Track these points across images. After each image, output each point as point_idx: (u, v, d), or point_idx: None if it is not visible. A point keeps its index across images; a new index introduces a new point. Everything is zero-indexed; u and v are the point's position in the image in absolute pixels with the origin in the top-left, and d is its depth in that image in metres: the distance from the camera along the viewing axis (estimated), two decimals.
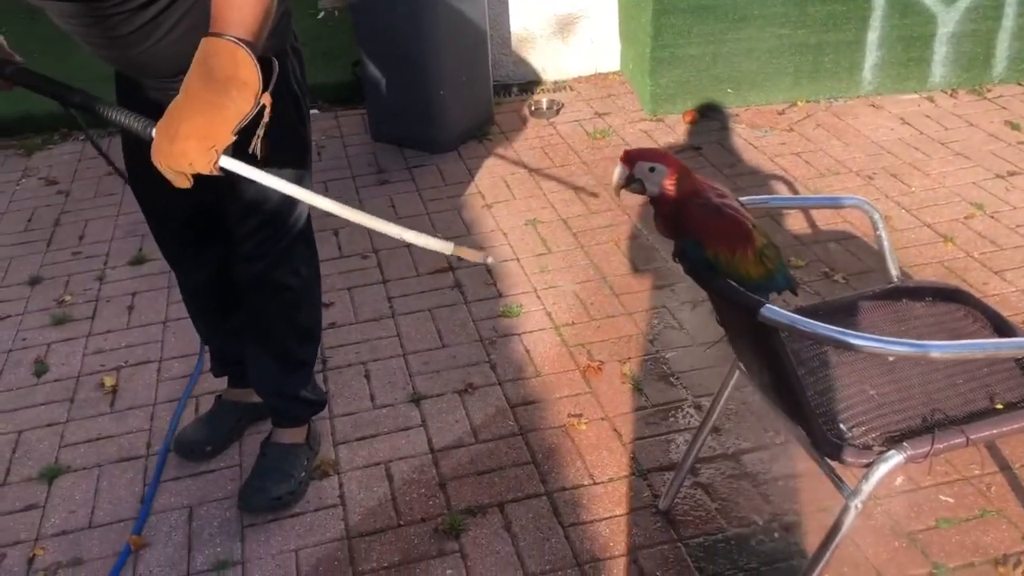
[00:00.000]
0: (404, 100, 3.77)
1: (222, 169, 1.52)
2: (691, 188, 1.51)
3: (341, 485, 2.17)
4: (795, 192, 3.37)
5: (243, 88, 1.46)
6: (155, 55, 1.68)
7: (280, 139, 1.64)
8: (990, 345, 1.46)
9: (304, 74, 1.90)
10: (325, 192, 3.55)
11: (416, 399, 2.44)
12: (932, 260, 2.91)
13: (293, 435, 2.17)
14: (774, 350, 1.52)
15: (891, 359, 1.68)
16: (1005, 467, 2.09)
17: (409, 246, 3.14)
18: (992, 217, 3.13)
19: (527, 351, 2.60)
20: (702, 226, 1.50)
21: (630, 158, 1.51)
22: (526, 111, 4.17)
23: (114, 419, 2.45)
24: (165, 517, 2.12)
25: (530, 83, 4.47)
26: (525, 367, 2.54)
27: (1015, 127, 3.75)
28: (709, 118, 4.00)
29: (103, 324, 2.86)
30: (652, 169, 1.50)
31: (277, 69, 1.58)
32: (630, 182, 1.52)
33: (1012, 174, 3.39)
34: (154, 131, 1.52)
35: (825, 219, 3.16)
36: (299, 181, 1.91)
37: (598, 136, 3.89)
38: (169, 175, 1.53)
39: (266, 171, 1.52)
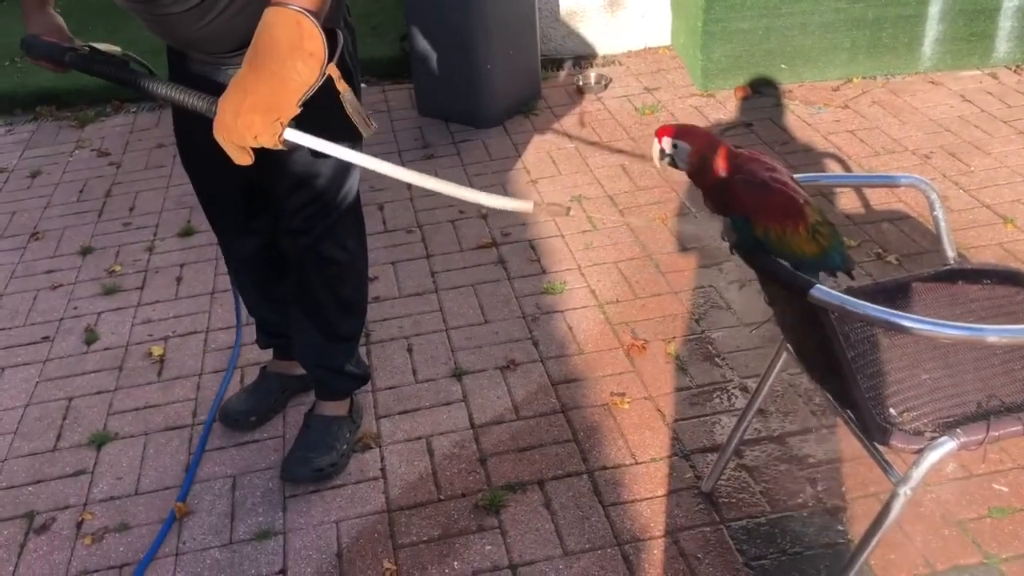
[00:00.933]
0: (451, 75, 3.75)
1: (286, 142, 1.51)
2: (731, 164, 1.47)
3: (383, 458, 2.18)
4: (848, 170, 3.29)
5: (308, 59, 1.45)
6: (208, 33, 1.68)
7: (334, 112, 1.64)
8: None
9: (356, 49, 1.89)
10: None
11: (458, 374, 2.43)
12: (991, 242, 2.82)
13: (336, 408, 2.18)
14: (824, 332, 1.48)
15: (945, 343, 1.62)
16: None
17: (455, 221, 3.14)
18: None
19: (570, 328, 2.58)
20: (749, 201, 1.46)
21: (659, 132, 1.51)
22: (574, 86, 4.12)
23: (161, 388, 2.48)
24: (209, 486, 2.15)
25: (579, 58, 4.41)
26: (568, 344, 2.52)
27: None
28: (761, 94, 3.92)
29: (152, 294, 2.90)
30: (675, 146, 1.49)
31: (342, 40, 1.57)
32: (663, 156, 1.52)
33: None
34: (215, 107, 1.51)
35: (878, 198, 3.08)
36: None
37: (647, 112, 3.83)
38: (231, 151, 1.52)
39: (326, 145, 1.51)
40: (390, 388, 2.40)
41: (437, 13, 3.63)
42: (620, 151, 3.54)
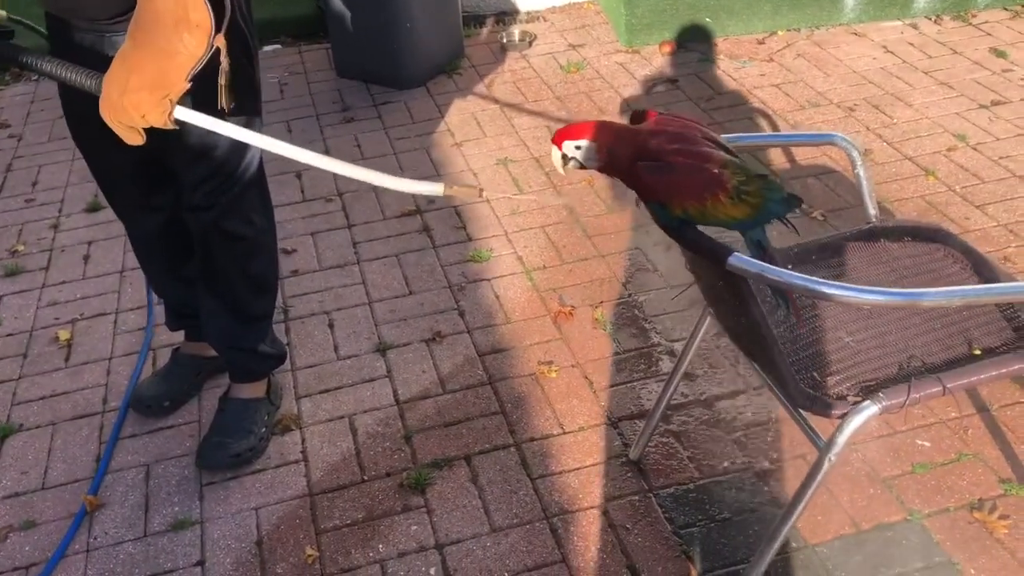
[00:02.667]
0: (369, 34, 3.61)
1: (177, 121, 1.42)
2: (633, 149, 1.38)
3: (303, 440, 2.11)
4: (774, 126, 3.27)
5: (195, 31, 1.35)
6: None
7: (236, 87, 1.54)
8: (975, 291, 1.39)
9: (251, 11, 1.78)
10: (288, 133, 3.43)
11: (382, 349, 2.36)
12: (913, 195, 2.83)
13: (252, 390, 2.10)
14: (744, 299, 1.44)
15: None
16: (983, 408, 2.05)
17: (377, 189, 3.04)
18: (975, 149, 3.04)
19: (497, 297, 2.52)
20: (658, 187, 1.37)
21: (556, 140, 1.41)
22: (498, 44, 4.02)
23: (69, 374, 2.36)
24: (121, 476, 2.05)
25: (502, 14, 4.30)
26: (495, 314, 2.46)
27: (1000, 54, 3.64)
28: (687, 49, 3.87)
29: (58, 275, 2.75)
30: (578, 147, 1.40)
31: (229, 7, 1.46)
32: (566, 161, 1.42)
33: (996, 103, 3.30)
34: (101, 84, 1.41)
35: (803, 154, 3.06)
36: (248, 127, 1.80)
37: (572, 69, 3.76)
38: (120, 131, 1.42)
39: (223, 119, 1.42)
40: (311, 366, 2.32)
41: None
42: (539, 114, 3.47)
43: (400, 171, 3.15)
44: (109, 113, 1.37)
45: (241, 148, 1.82)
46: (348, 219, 2.91)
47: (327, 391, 2.24)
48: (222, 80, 1.42)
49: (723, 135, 1.75)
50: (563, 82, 3.68)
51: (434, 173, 3.12)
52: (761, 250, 1.45)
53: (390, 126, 3.45)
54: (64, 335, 2.49)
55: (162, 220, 1.98)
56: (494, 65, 3.87)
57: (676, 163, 1.37)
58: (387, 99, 3.64)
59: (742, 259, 1.34)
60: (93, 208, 3.05)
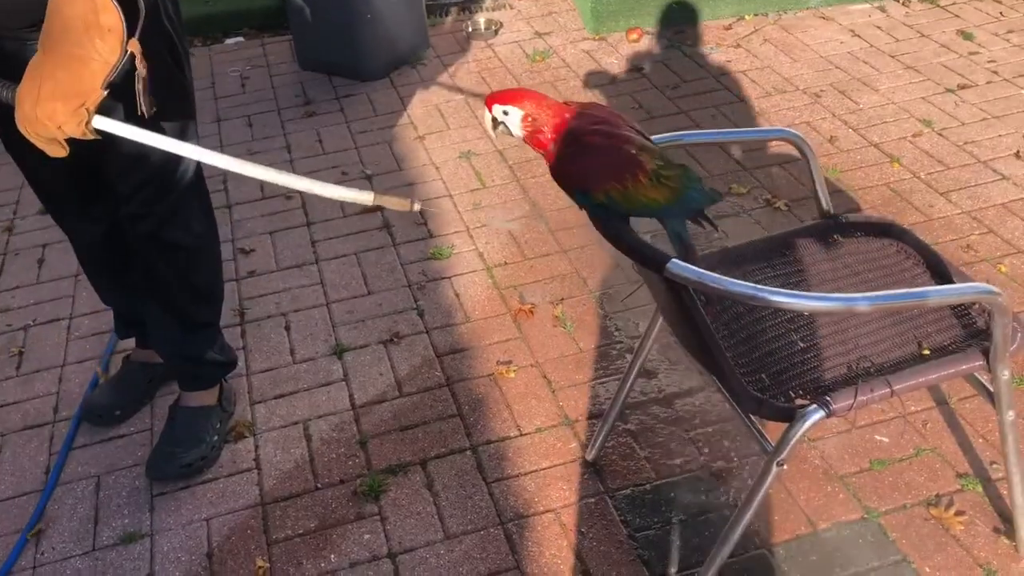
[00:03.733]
0: (331, 25, 3.55)
1: (96, 131, 1.37)
2: (555, 125, 1.35)
3: (257, 447, 2.07)
4: (740, 114, 3.24)
5: (107, 36, 1.31)
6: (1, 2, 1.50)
7: (155, 88, 1.48)
8: (918, 294, 1.37)
9: (178, 10, 1.73)
10: (249, 128, 3.38)
11: (339, 352, 2.32)
12: (878, 183, 2.81)
13: (203, 397, 2.06)
14: (686, 305, 1.41)
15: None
16: (942, 402, 2.03)
17: (337, 184, 2.99)
18: (940, 134, 3.02)
19: (457, 295, 2.49)
20: (577, 172, 1.35)
21: (488, 101, 1.40)
22: (463, 33, 3.96)
23: (20, 383, 2.32)
24: (71, 488, 2.01)
25: (468, 2, 4.24)
26: (454, 313, 2.43)
27: (968, 37, 3.62)
28: (654, 36, 3.83)
29: (11, 279, 2.70)
30: (505, 112, 1.37)
31: (144, 9, 1.41)
32: (496, 125, 1.41)
33: (962, 87, 3.27)
34: (15, 94, 1.36)
35: (767, 143, 3.03)
36: (182, 133, 1.76)
37: (538, 58, 3.71)
38: (40, 143, 1.38)
39: (147, 127, 1.38)
40: (266, 371, 2.28)
41: None
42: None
43: (362, 165, 3.11)
44: (25, 125, 1.33)
45: (176, 154, 1.77)
46: (308, 217, 2.87)
47: (282, 396, 2.21)
48: (139, 85, 1.37)
49: (676, 132, 1.73)
50: (529, 72, 3.63)
51: (395, 167, 3.08)
52: (681, 243, 1.43)
53: (352, 119, 3.40)
54: (16, 342, 2.44)
55: (102, 230, 1.93)
56: (459, 55, 3.82)
57: (594, 143, 1.35)
58: (349, 91, 3.58)
59: (680, 266, 1.31)
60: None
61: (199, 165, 1.85)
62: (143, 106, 1.39)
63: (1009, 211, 2.63)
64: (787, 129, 1.78)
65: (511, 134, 1.40)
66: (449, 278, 2.56)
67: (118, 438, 2.13)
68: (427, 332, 2.37)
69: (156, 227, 1.80)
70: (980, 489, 1.83)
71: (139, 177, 1.74)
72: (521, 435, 2.05)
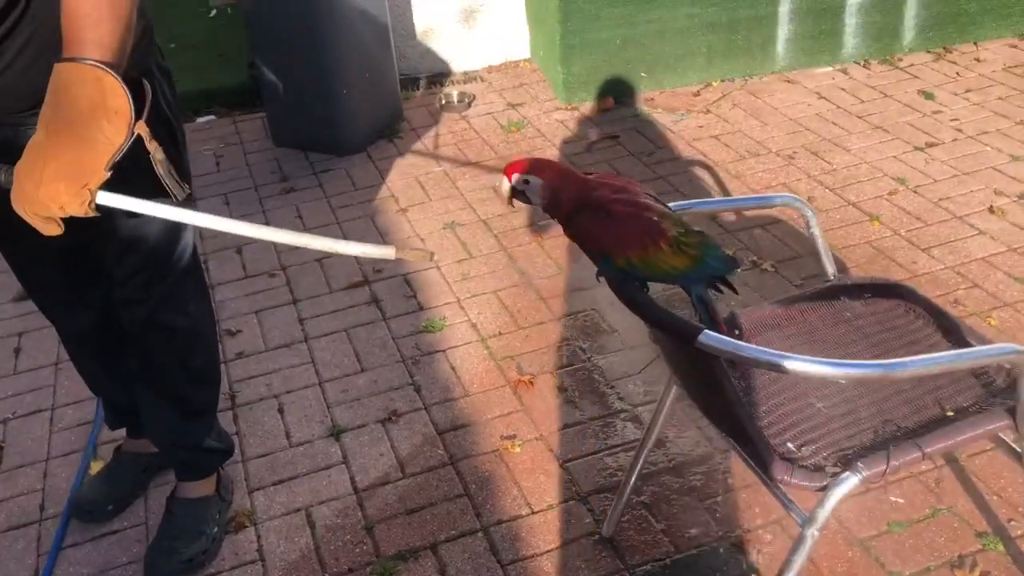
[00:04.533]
0: (305, 101, 3.56)
1: (99, 208, 1.33)
2: (577, 195, 1.40)
3: (259, 537, 1.99)
4: (716, 177, 3.28)
5: (114, 118, 1.28)
6: (1, 88, 1.47)
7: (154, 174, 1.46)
8: (946, 358, 1.37)
9: (175, 95, 1.71)
10: (226, 207, 3.34)
11: (336, 433, 2.26)
12: (860, 241, 2.85)
13: (201, 488, 1.98)
14: (714, 376, 1.40)
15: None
16: (952, 459, 2.03)
17: (322, 260, 2.96)
18: (915, 192, 3.09)
19: (453, 369, 2.45)
20: (600, 236, 1.40)
21: (508, 170, 1.43)
22: (437, 105, 3.99)
23: (2, 480, 2.21)
24: None
25: (439, 75, 4.29)
26: (452, 387, 2.39)
27: (928, 96, 3.73)
28: (625, 104, 3.89)
29: None
30: (526, 181, 1.42)
31: (150, 92, 1.39)
32: (516, 195, 1.44)
33: (930, 145, 3.37)
34: (12, 176, 1.32)
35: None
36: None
37: (513, 128, 3.75)
38: (36, 223, 1.33)
39: (151, 201, 1.34)
40: (262, 456, 2.21)
41: (282, 37, 3.44)
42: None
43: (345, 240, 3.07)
44: (24, 205, 1.29)
45: (173, 234, 1.73)
46: (293, 294, 2.82)
47: (281, 482, 2.13)
48: (159, 169, 1.34)
49: (679, 202, 1.74)
50: (505, 142, 3.66)
51: (380, 241, 3.05)
52: (706, 308, 1.45)
53: (332, 194, 3.38)
54: None
55: (94, 317, 1.87)
56: (434, 127, 3.84)
57: (617, 211, 1.39)
58: (327, 167, 3.57)
59: (713, 337, 1.30)
60: (24, 296, 2.90)
61: (195, 247, 1.81)
62: (173, 190, 1.36)
63: (990, 265, 2.68)
64: (790, 196, 1.80)
65: (529, 202, 1.42)
66: (444, 351, 2.52)
67: (111, 535, 2.04)
68: (426, 409, 2.32)
69: (152, 311, 1.75)
70: (1002, 548, 1.82)
71: (136, 260, 1.70)
72: (533, 513, 2.00)
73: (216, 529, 1.97)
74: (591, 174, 1.48)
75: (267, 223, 3.21)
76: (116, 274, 1.74)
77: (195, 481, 1.98)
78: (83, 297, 1.86)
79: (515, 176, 1.42)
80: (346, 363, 2.50)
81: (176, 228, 1.73)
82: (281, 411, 2.35)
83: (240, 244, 3.07)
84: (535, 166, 1.42)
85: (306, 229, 3.17)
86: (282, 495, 2.10)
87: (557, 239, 2.96)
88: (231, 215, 3.27)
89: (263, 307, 2.77)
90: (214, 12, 4.86)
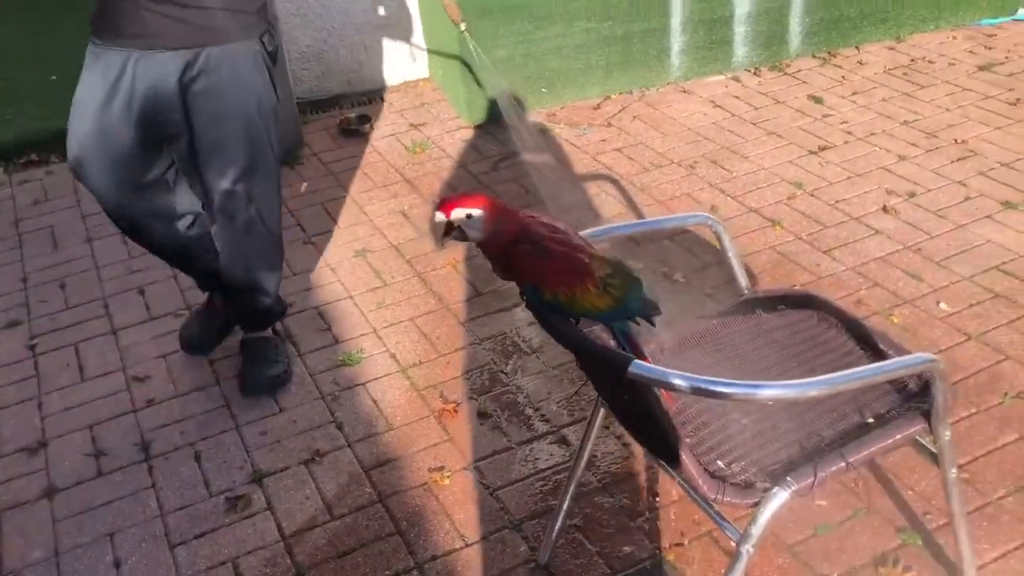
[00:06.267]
0: None
1: None
2: (516, 229, 1.42)
3: None
4: (623, 191, 3.33)
5: None
6: None
7: None
8: (867, 372, 1.41)
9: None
10: (124, 244, 3.21)
11: (258, 478, 2.19)
12: (763, 247, 2.94)
13: (264, 333, 2.52)
14: (646, 404, 1.41)
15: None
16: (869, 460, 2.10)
17: None
18: (812, 195, 3.19)
19: (375, 402, 2.41)
20: (533, 269, 1.42)
21: (446, 206, 1.41)
22: (337, 128, 3.93)
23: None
24: None
25: (338, 97, 4.23)
26: (375, 421, 2.35)
27: (818, 100, 3.88)
28: (528, 120, 3.91)
29: None
30: (469, 216, 1.41)
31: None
32: (451, 231, 1.43)
33: (823, 149, 3.49)
34: None
35: (656, 215, 3.12)
36: None
37: (417, 150, 3.72)
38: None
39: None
40: (181, 509, 2.12)
41: None
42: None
43: None
44: None
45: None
46: None
47: (203, 535, 2.05)
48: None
49: (594, 228, 1.75)
50: (410, 163, 3.63)
51: (288, 273, 2.98)
52: (627, 340, 1.50)
53: None
54: None
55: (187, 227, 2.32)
56: (337, 151, 3.78)
57: (552, 249, 1.42)
58: None
59: (642, 366, 1.31)
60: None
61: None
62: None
63: (888, 263, 2.79)
64: (704, 215, 1.83)
65: (464, 238, 1.41)
66: (364, 384, 2.48)
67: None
68: (349, 446, 2.27)
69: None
70: (920, 542, 1.89)
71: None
72: (467, 545, 1.98)
73: (287, 359, 2.51)
74: (529, 212, 1.48)
75: None
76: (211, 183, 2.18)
77: (259, 331, 2.51)
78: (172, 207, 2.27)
79: (456, 211, 1.40)
80: (263, 404, 2.43)
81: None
82: (198, 459, 2.27)
83: (142, 284, 2.96)
84: (476, 200, 1.42)
85: None
86: (205, 548, 2.02)
87: (472, 260, 2.95)
88: (130, 254, 3.16)
89: (171, 349, 2.66)
90: None
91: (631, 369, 1.31)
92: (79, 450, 2.32)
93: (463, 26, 2.15)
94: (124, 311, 2.84)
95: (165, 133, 2.10)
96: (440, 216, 1.42)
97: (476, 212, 1.42)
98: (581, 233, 1.57)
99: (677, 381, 1.31)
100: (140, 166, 2.12)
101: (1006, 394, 2.25)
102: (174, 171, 2.23)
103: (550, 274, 1.39)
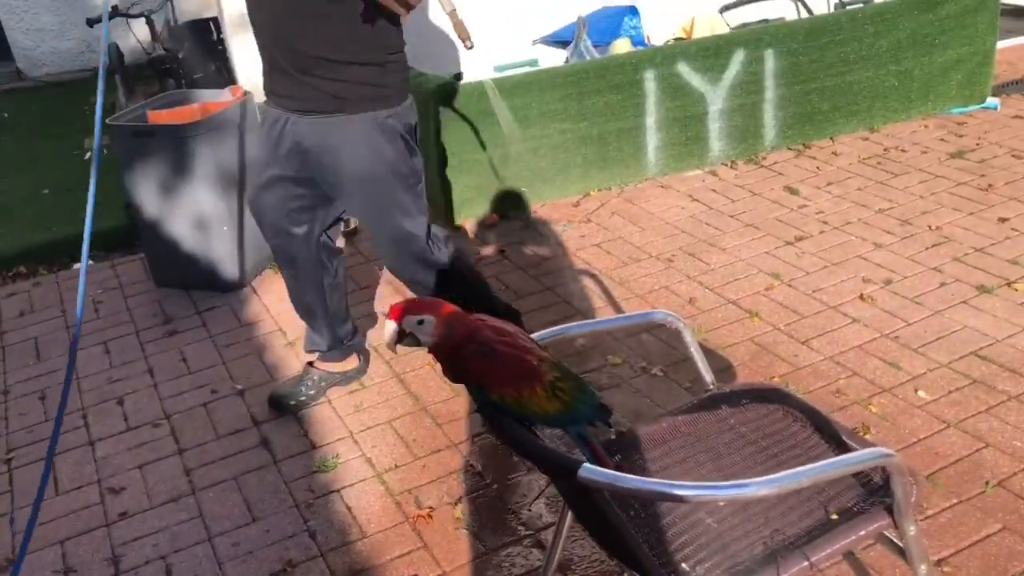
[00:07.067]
0: (185, 240, 3.50)
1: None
2: (465, 332, 1.45)
3: None
4: (603, 286, 3.35)
5: None
6: None
7: None
8: (821, 468, 1.40)
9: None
10: (106, 355, 3.22)
11: None
12: (742, 338, 2.94)
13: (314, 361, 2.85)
14: (599, 507, 1.39)
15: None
16: (849, 553, 2.06)
17: (207, 404, 2.86)
18: (789, 285, 3.21)
19: (349, 509, 2.38)
20: (480, 370, 1.44)
21: (396, 313, 1.45)
22: None
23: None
24: None
25: None
26: (349, 529, 2.31)
27: (793, 192, 3.94)
28: (509, 219, 3.97)
29: None
30: (420, 322, 1.45)
31: None
32: (403, 337, 1.46)
33: (799, 239, 3.53)
34: None
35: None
36: None
37: None
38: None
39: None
40: None
41: (156, 176, 3.40)
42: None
43: (232, 381, 2.99)
44: None
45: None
46: (178, 443, 2.71)
47: None
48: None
49: (550, 329, 1.76)
50: None
51: (268, 378, 2.98)
52: (585, 443, 1.50)
53: (216, 333, 3.30)
54: None
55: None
56: None
57: (500, 351, 1.44)
58: (211, 304, 3.50)
59: (592, 470, 1.30)
60: None
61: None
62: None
63: (866, 352, 2.79)
64: (660, 311, 1.86)
65: (417, 343, 1.43)
66: (339, 491, 2.45)
67: None
68: (322, 556, 2.23)
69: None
70: None
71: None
72: None
73: (310, 393, 2.81)
74: (478, 316, 1.50)
75: (150, 369, 3.12)
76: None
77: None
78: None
79: (407, 318, 1.44)
80: (236, 514, 2.40)
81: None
82: (169, 573, 2.22)
83: (121, 395, 2.96)
84: (425, 305, 1.44)
85: (191, 372, 3.07)
86: None
87: None
88: (111, 364, 3.17)
89: (147, 460, 2.64)
90: (88, 155, 4.80)
91: (581, 473, 1.30)
92: (49, 567, 2.28)
93: (468, 44, 2.28)
94: (102, 422, 2.83)
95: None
96: (391, 324, 1.44)
97: (427, 317, 1.44)
98: (533, 336, 1.59)
99: (628, 484, 1.30)
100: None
101: (987, 483, 2.22)
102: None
103: (496, 375, 1.41)
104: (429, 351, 1.47)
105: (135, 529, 2.39)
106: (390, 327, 1.45)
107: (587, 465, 1.30)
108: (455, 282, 2.58)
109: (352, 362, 2.87)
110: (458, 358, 1.43)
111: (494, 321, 1.48)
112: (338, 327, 2.80)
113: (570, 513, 1.79)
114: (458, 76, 4.06)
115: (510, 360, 1.42)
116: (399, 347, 1.46)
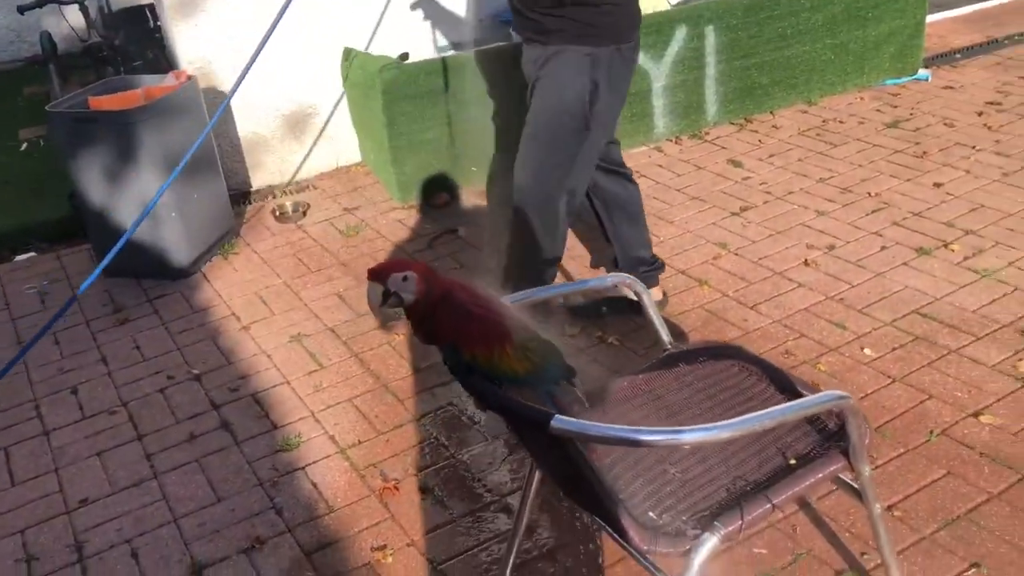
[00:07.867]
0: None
1: None
2: (441, 291, 1.47)
3: None
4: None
5: None
6: None
7: None
8: (782, 411, 1.45)
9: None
10: (56, 346, 3.17)
11: (197, 570, 2.15)
12: (693, 306, 3.01)
13: None
14: (570, 457, 1.43)
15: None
16: (805, 504, 2.14)
17: (164, 390, 2.84)
18: (736, 254, 3.30)
19: (315, 485, 2.39)
20: (454, 329, 1.46)
21: (379, 274, 1.45)
22: (271, 217, 3.96)
23: None
24: None
25: (270, 187, 4.27)
26: (315, 504, 2.32)
27: (737, 164, 4.02)
28: (460, 198, 3.99)
29: None
30: (405, 278, 1.46)
31: None
32: (387, 298, 1.46)
33: (744, 209, 3.61)
34: None
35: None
36: None
37: (351, 233, 3.76)
38: None
39: None
40: None
41: (100, 164, 3.34)
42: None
43: (187, 366, 2.97)
44: None
45: None
46: (137, 429, 2.68)
47: None
48: None
49: (518, 292, 1.79)
50: (345, 247, 3.66)
51: (224, 362, 2.97)
52: (552, 401, 1.54)
53: (169, 320, 3.27)
54: None
55: None
56: (271, 239, 3.80)
57: (474, 312, 1.47)
58: (162, 292, 3.46)
59: (563, 420, 1.34)
60: None
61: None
62: None
63: (812, 314, 2.88)
64: (624, 274, 1.89)
65: (400, 303, 1.43)
66: (303, 468, 2.46)
67: None
68: (290, 531, 2.24)
69: None
70: None
71: None
72: None
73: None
74: (457, 279, 1.53)
75: (103, 357, 3.08)
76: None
77: None
78: None
79: (392, 276, 1.43)
80: (200, 495, 2.39)
81: None
82: (135, 556, 2.21)
83: (75, 384, 2.91)
84: (405, 264, 1.46)
85: (145, 359, 3.04)
86: None
87: (410, 338, 2.97)
88: (62, 355, 3.11)
89: (105, 447, 2.62)
90: (24, 146, 4.69)
91: (553, 424, 1.34)
92: (10, 556, 2.25)
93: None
94: (55, 411, 2.79)
95: None
96: (376, 286, 1.44)
97: (410, 274, 1.45)
98: (507, 298, 1.62)
99: (596, 432, 1.35)
100: None
101: (932, 432, 2.32)
102: None
103: (470, 335, 1.44)
104: (405, 311, 1.48)
105: (97, 515, 2.36)
106: (376, 289, 1.45)
107: (558, 416, 1.34)
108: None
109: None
110: (433, 317, 1.45)
111: (465, 283, 1.51)
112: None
113: (536, 475, 1.83)
114: (404, 56, 4.06)
115: (483, 321, 1.45)
116: (387, 307, 1.45)
